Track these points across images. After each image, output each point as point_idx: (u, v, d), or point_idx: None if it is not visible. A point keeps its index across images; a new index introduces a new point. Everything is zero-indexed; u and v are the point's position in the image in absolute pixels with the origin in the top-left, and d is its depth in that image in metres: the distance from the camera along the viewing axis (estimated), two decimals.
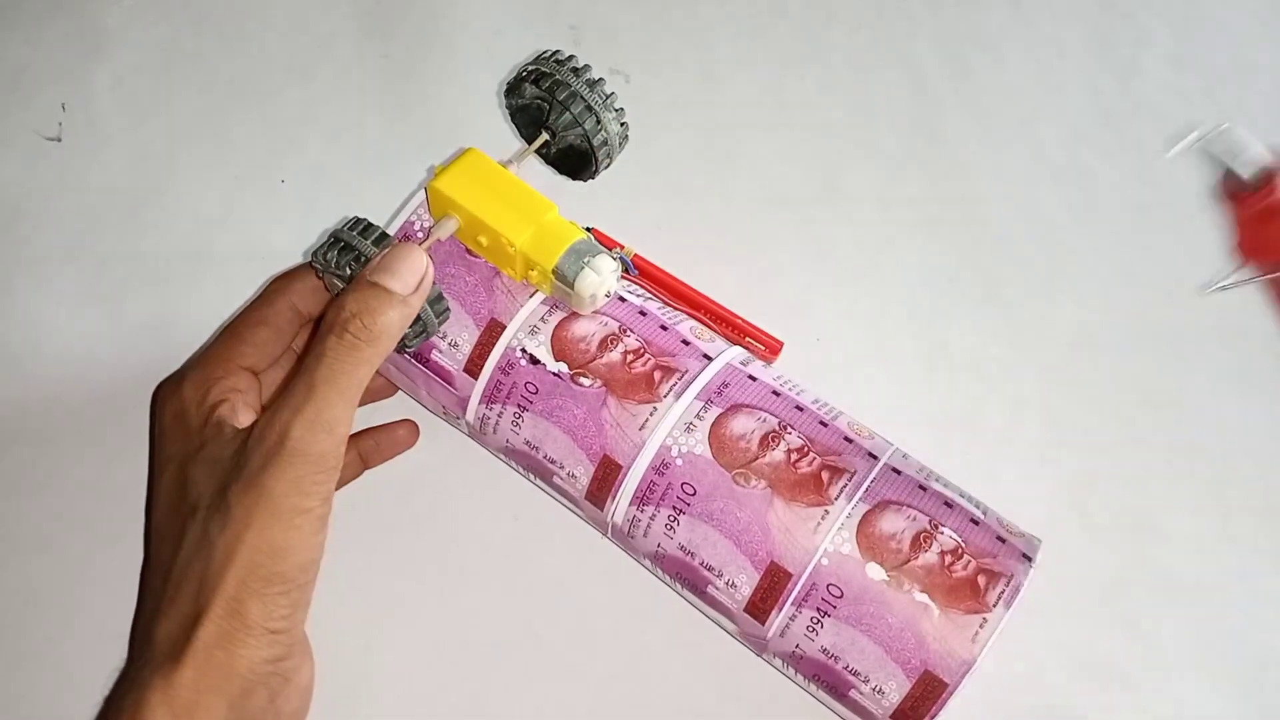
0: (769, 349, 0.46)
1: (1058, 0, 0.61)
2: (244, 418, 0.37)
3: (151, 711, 0.32)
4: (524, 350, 0.39)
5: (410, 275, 0.35)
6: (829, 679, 0.37)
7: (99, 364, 0.47)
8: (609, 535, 0.41)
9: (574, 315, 0.40)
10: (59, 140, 0.53)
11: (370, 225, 0.37)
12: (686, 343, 0.40)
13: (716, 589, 0.38)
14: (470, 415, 0.41)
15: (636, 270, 0.43)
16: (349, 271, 0.36)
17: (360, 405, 0.46)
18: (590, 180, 0.42)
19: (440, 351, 0.40)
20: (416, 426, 0.46)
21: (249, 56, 0.56)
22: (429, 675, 0.43)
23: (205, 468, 0.35)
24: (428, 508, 0.45)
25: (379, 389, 0.46)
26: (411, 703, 0.42)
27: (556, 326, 0.39)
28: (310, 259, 0.39)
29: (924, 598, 0.35)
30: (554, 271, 0.38)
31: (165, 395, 0.39)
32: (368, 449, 0.45)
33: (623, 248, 0.43)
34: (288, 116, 0.55)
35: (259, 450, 0.33)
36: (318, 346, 0.34)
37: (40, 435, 0.46)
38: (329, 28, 0.58)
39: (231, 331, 0.40)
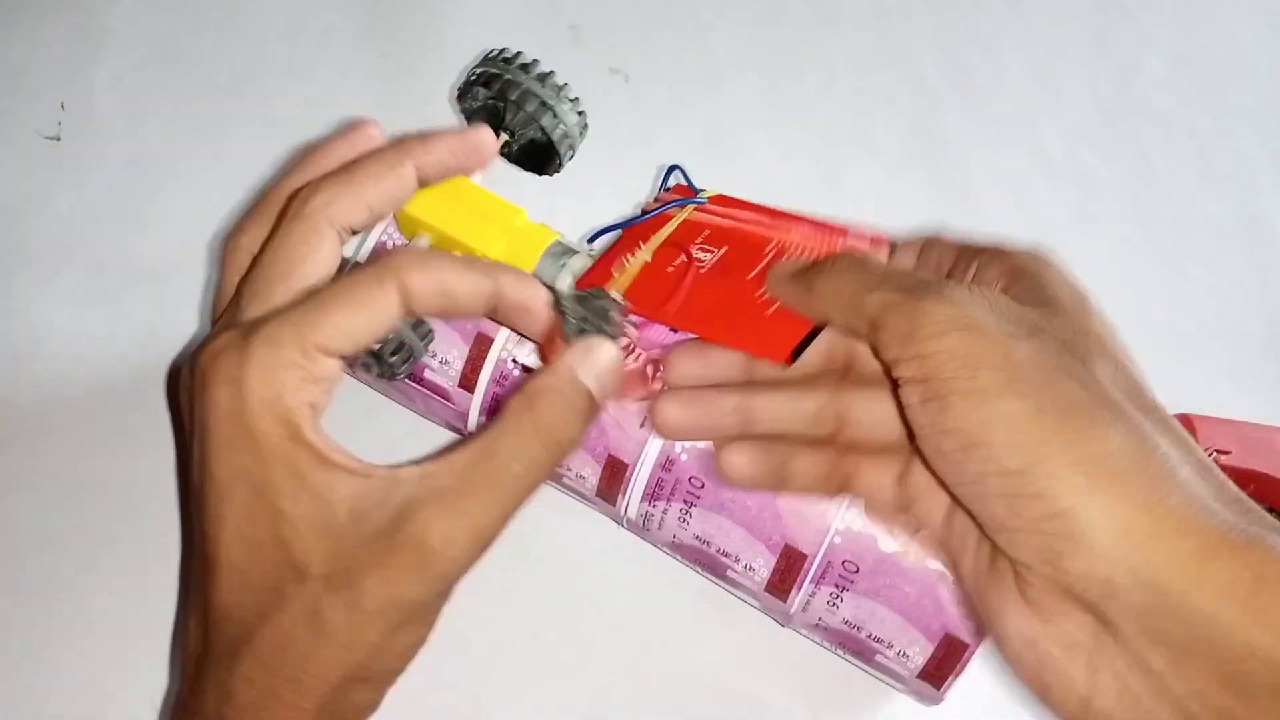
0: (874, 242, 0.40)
1: (1057, 0, 0.61)
2: (320, 427, 0.29)
3: None
4: (515, 360, 0.39)
5: (609, 381, 0.31)
6: (854, 646, 0.38)
7: (99, 364, 0.47)
8: (625, 528, 0.41)
9: None
10: (59, 140, 0.53)
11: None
12: (676, 330, 0.39)
13: (735, 572, 0.39)
14: (471, 428, 0.41)
15: (710, 202, 0.40)
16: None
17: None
18: (556, 174, 0.42)
19: (433, 370, 0.40)
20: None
21: (248, 56, 0.56)
22: (427, 675, 0.42)
23: (315, 525, 0.28)
24: None
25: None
26: (410, 702, 0.42)
27: None
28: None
29: (938, 565, 0.36)
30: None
31: (213, 377, 0.28)
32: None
33: (700, 191, 0.41)
34: (288, 116, 0.55)
35: (408, 548, 0.27)
36: (517, 449, 0.28)
37: (40, 435, 0.46)
38: (328, 27, 0.58)
39: (319, 302, 0.29)
